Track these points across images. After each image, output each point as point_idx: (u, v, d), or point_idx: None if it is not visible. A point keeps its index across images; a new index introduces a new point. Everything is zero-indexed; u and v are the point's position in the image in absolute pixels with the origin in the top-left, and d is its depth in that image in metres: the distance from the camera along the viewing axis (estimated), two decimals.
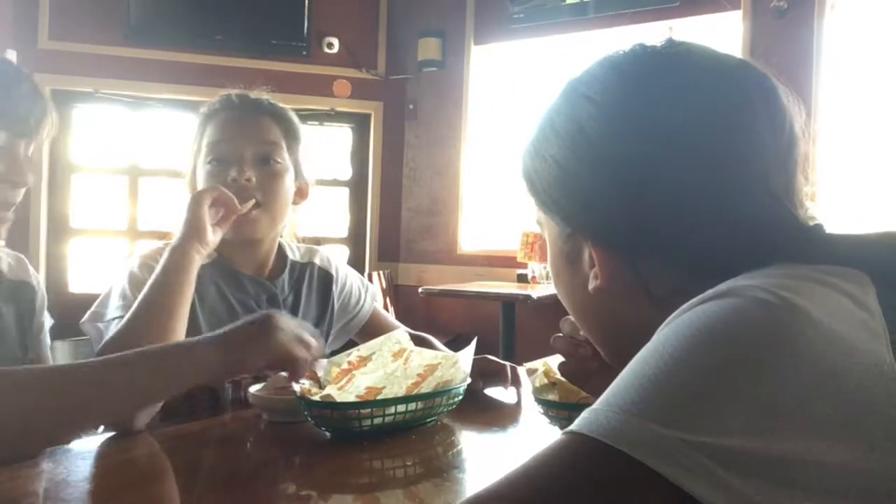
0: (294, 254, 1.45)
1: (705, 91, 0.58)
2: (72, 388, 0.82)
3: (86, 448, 0.91)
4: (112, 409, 0.87)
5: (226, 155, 1.29)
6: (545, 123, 0.65)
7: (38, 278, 1.19)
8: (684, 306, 0.50)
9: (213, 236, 1.18)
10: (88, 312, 1.22)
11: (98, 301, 1.23)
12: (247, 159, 1.29)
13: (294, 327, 0.97)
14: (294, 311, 1.37)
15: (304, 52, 4.34)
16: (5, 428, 0.77)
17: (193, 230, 1.15)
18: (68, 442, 0.88)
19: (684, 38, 0.62)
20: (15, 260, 1.16)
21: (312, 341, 0.99)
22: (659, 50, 0.62)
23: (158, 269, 1.13)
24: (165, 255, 1.15)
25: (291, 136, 1.37)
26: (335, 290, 1.46)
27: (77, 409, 0.82)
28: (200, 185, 1.31)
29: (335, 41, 4.43)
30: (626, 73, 0.61)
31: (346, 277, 1.49)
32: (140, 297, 1.10)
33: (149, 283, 1.12)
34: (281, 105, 1.39)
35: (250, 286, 1.33)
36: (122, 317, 1.12)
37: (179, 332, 1.10)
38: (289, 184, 1.35)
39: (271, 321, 0.95)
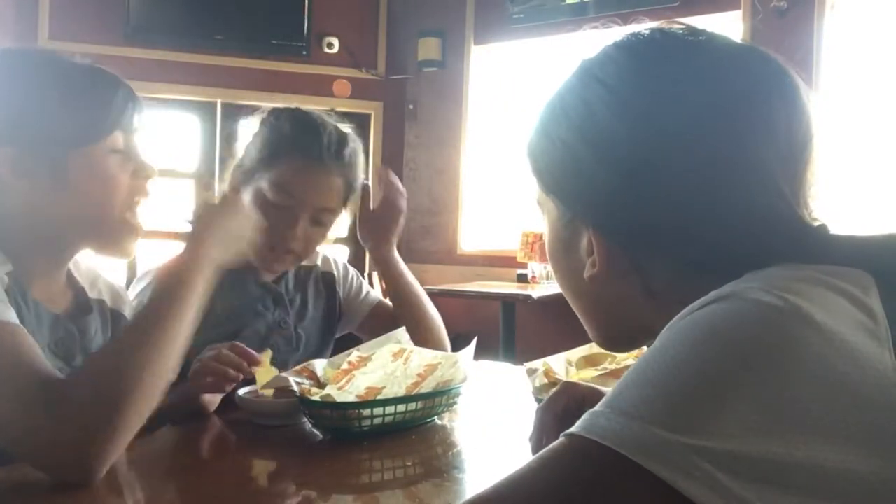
0: None
1: (721, 86, 0.56)
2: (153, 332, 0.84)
3: None
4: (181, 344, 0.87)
5: (284, 207, 1.25)
6: (555, 102, 0.63)
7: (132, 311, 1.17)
8: (687, 309, 0.49)
9: None
10: None
11: None
12: (303, 220, 1.26)
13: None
14: (301, 313, 1.39)
15: (304, 52, 4.34)
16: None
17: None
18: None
19: (704, 27, 0.60)
20: (116, 290, 1.15)
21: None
22: (678, 37, 0.60)
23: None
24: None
25: (351, 189, 1.33)
26: (339, 289, 1.47)
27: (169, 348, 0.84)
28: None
29: (335, 41, 4.43)
30: (641, 59, 0.59)
31: (348, 272, 1.51)
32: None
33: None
34: (357, 147, 1.32)
35: (255, 289, 1.34)
36: None
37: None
38: (330, 231, 1.33)
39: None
